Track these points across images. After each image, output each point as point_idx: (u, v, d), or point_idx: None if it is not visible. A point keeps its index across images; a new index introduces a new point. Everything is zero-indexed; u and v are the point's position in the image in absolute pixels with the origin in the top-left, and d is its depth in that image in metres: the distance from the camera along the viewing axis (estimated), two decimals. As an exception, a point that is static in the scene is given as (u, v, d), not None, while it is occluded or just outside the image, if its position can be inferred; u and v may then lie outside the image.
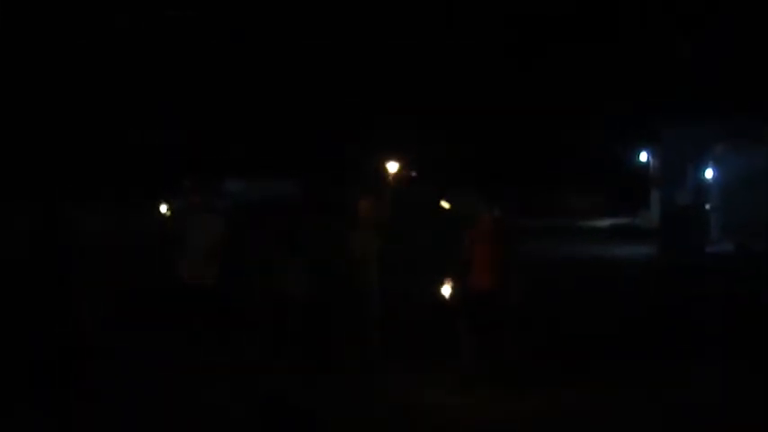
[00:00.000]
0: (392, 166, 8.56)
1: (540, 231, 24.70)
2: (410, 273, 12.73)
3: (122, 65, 33.31)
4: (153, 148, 32.75)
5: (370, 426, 7.14)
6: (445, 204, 19.82)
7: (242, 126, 35.88)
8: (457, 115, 34.80)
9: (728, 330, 10.98)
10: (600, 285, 15.44)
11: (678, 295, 13.88)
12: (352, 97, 34.95)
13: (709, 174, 23.37)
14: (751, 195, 21.68)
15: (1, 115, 28.59)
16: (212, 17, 35.39)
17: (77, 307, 8.24)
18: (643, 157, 32.28)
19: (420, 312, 11.09)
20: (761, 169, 22.18)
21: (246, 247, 8.67)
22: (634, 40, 31.40)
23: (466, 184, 28.92)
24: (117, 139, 32.66)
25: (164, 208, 8.38)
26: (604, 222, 31.89)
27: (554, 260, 18.86)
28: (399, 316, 10.86)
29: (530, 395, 7.88)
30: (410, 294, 11.62)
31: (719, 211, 22.67)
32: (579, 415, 7.42)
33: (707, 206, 22.33)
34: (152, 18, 33.99)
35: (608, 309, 12.78)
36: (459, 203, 28.35)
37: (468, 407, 7.57)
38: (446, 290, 8.05)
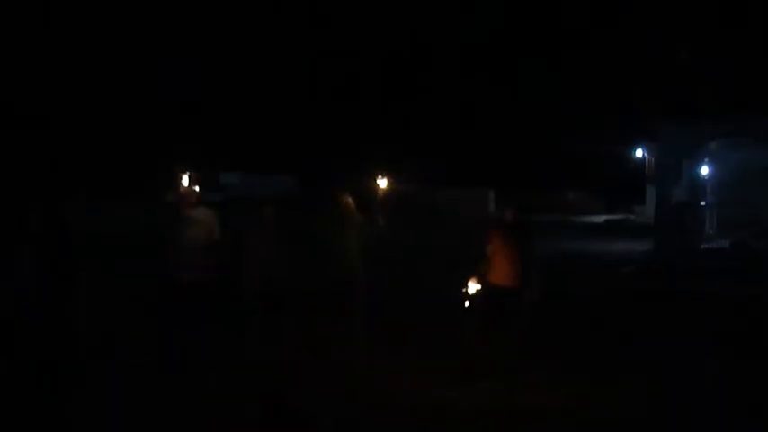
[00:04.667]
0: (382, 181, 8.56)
1: (535, 227, 24.63)
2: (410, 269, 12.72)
3: (119, 58, 33.20)
4: (149, 142, 32.66)
5: (370, 423, 7.08)
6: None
7: (239, 118, 35.82)
8: (459, 114, 34.89)
9: (726, 327, 10.96)
10: (595, 283, 15.41)
11: (674, 293, 13.84)
12: (357, 90, 34.95)
13: (704, 170, 23.41)
14: (746, 192, 21.72)
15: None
16: (212, 11, 35.30)
17: (74, 305, 8.18)
18: (639, 153, 32.31)
19: (422, 308, 11.10)
20: (756, 166, 22.23)
21: (239, 240, 8.59)
22: (631, 36, 31.39)
23: (477, 184, 29.04)
24: (114, 132, 32.55)
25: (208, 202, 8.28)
26: (600, 218, 31.91)
27: (550, 257, 18.80)
28: (398, 311, 10.89)
29: (530, 392, 7.82)
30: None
31: (715, 208, 22.71)
32: (578, 412, 7.37)
33: (702, 203, 22.36)
34: (150, 6, 33.88)
35: (604, 307, 12.75)
36: (469, 203, 28.56)
37: (468, 403, 7.50)
38: (472, 287, 8.00)
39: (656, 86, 28.81)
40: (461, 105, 35.56)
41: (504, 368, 7.97)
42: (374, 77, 35.49)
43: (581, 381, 8.31)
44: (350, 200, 8.56)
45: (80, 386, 7.69)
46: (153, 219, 8.61)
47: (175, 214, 8.42)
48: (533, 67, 35.75)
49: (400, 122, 34.58)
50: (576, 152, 34.80)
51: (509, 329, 7.95)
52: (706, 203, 22.55)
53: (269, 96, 35.69)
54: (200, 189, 8.67)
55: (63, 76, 31.39)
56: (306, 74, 35.64)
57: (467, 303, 7.94)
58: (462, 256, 8.82)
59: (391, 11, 35.34)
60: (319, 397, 7.39)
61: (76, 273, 8.06)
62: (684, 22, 28.29)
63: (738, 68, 24.99)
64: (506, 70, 36.10)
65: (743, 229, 20.22)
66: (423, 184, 31.90)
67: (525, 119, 35.23)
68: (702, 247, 19.94)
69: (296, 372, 8.11)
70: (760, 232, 19.76)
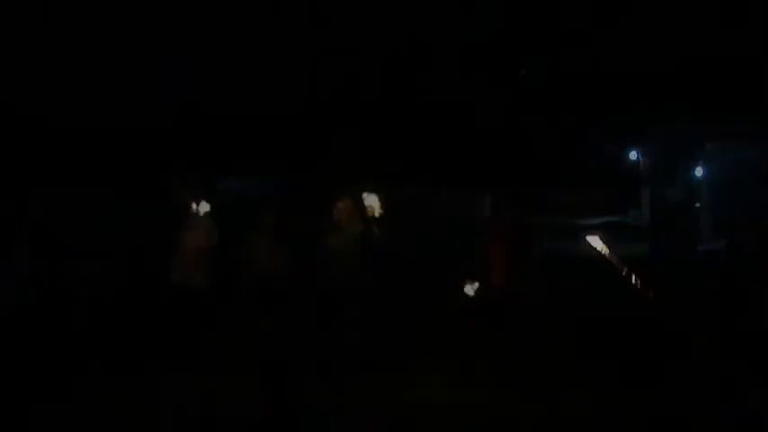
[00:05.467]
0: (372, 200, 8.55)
1: (533, 229, 24.65)
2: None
3: (117, 58, 33.14)
4: (148, 144, 32.60)
5: (370, 423, 7.14)
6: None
7: (237, 121, 35.76)
8: (453, 114, 34.85)
9: (722, 328, 10.99)
10: (593, 283, 15.45)
11: (670, 294, 13.88)
12: (348, 90, 34.89)
13: (699, 171, 23.48)
14: (741, 193, 21.77)
15: None
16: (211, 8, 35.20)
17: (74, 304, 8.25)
18: (633, 155, 32.38)
19: (421, 309, 11.15)
20: (751, 167, 22.28)
21: (239, 241, 8.65)
22: (631, 36, 31.44)
23: (475, 185, 29.05)
24: (113, 133, 32.46)
25: (206, 207, 8.28)
26: (596, 220, 31.96)
27: (548, 258, 18.83)
28: (397, 312, 10.95)
29: (529, 392, 7.87)
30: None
31: (710, 209, 22.76)
32: (579, 416, 7.40)
33: (697, 204, 22.41)
34: (150, 6, 33.78)
35: (602, 307, 12.79)
36: (467, 204, 28.60)
37: (469, 407, 7.53)
38: (469, 289, 8.06)
39: (654, 87, 28.90)
40: (461, 106, 35.55)
41: (504, 373, 8.01)
42: (374, 77, 35.42)
43: (579, 381, 8.36)
44: (350, 203, 8.60)
45: (79, 386, 7.74)
46: (153, 220, 8.67)
47: (174, 217, 8.49)
48: (533, 66, 35.75)
49: (399, 124, 34.54)
50: (575, 153, 34.83)
51: (505, 330, 8.02)
52: (701, 204, 22.60)
53: (267, 98, 35.65)
54: (197, 192, 8.72)
55: (62, 76, 31.36)
56: (305, 75, 35.60)
57: (465, 304, 8.01)
58: (460, 257, 8.88)
59: (391, 11, 35.29)
60: (319, 397, 7.45)
61: (77, 273, 8.14)
62: (684, 22, 28.35)
63: (736, 69, 25.08)
64: (506, 70, 36.10)
65: (739, 230, 20.26)
66: (420, 186, 31.95)
67: (524, 119, 35.22)
68: (698, 248, 19.99)
69: (295, 372, 8.16)
70: (756, 233, 19.79)
